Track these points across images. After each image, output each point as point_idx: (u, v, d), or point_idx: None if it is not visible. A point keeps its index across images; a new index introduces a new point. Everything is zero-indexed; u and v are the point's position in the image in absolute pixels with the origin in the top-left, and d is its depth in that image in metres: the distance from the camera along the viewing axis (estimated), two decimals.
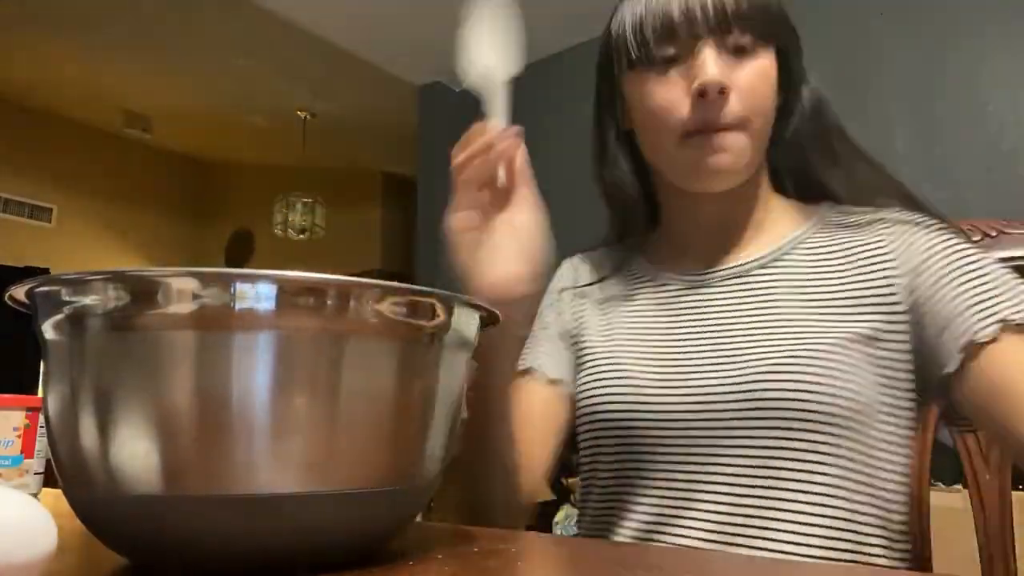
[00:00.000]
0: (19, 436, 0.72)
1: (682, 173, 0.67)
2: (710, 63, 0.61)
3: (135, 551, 0.38)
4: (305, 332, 0.35)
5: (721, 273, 0.71)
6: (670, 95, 0.64)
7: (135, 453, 0.34)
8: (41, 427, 0.74)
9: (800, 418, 0.60)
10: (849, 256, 0.66)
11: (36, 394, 0.80)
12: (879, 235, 0.66)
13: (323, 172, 4.70)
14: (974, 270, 0.61)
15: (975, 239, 0.76)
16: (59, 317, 0.37)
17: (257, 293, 0.34)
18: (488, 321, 0.46)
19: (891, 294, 0.63)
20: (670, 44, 0.64)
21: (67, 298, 0.36)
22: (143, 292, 0.34)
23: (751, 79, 0.63)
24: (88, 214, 4.97)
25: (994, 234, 0.75)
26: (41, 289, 0.37)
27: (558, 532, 2.25)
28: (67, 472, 0.38)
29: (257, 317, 0.34)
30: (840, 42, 2.33)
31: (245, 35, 3.41)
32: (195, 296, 0.34)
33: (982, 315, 0.58)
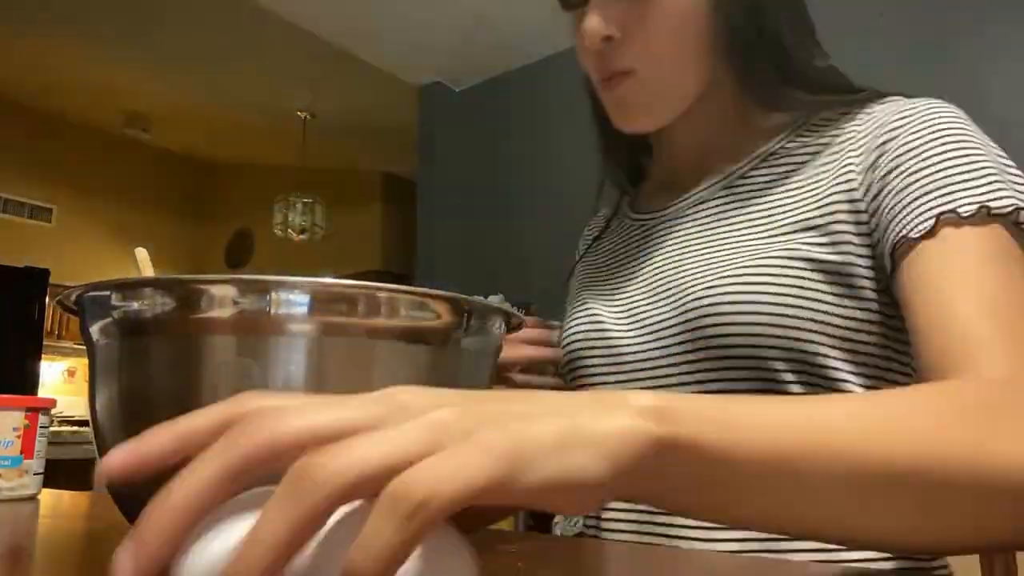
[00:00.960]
0: (19, 436, 0.72)
1: (610, 116, 0.66)
2: (590, 14, 0.60)
3: None
4: (337, 336, 0.37)
5: (683, 203, 0.68)
6: (581, 40, 0.63)
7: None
8: (41, 427, 0.74)
9: (744, 354, 0.55)
10: (813, 165, 0.61)
11: (36, 394, 0.80)
12: (848, 131, 0.60)
13: (323, 172, 4.70)
14: (937, 151, 0.52)
15: None
16: (107, 321, 0.39)
17: (291, 299, 0.36)
18: (512, 326, 0.47)
19: (853, 200, 0.56)
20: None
21: (115, 303, 0.38)
22: (186, 298, 0.37)
23: (647, 23, 0.60)
24: (88, 214, 4.97)
25: None
26: (90, 294, 0.39)
27: (557, 532, 2.25)
28: None
29: (292, 322, 0.36)
30: (839, 44, 2.34)
31: (245, 35, 3.41)
32: (235, 302, 0.36)
33: (923, 206, 0.50)
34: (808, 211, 0.58)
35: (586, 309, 0.69)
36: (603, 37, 0.60)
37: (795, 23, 0.63)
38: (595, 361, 0.66)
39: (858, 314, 0.56)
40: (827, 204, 0.57)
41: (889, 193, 0.53)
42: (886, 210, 0.53)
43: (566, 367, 0.69)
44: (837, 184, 0.58)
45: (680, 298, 0.60)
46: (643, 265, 0.68)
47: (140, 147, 5.08)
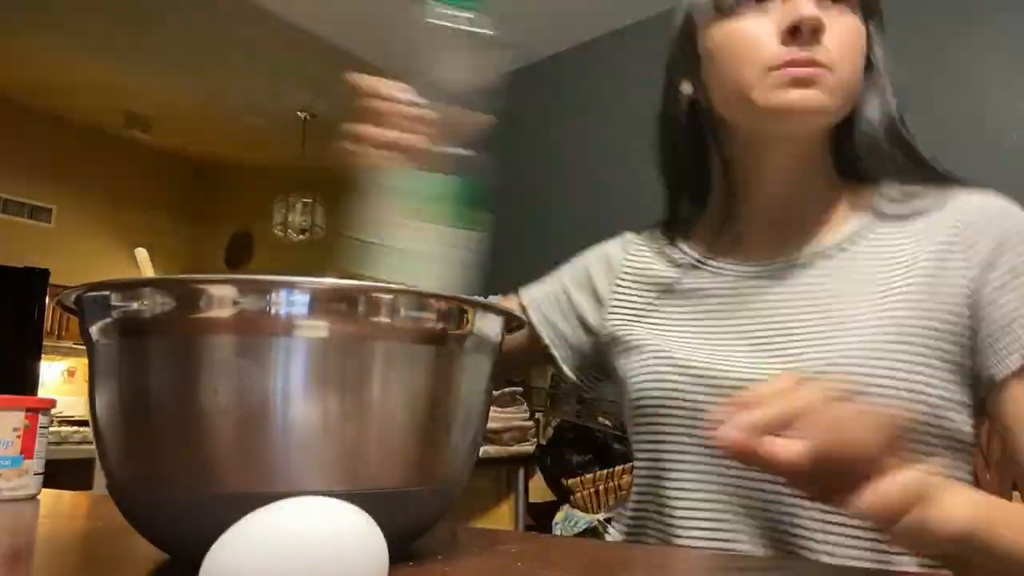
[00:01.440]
0: (19, 437, 0.72)
1: (763, 110, 0.62)
2: (806, 1, 0.60)
3: (176, 547, 0.40)
4: (337, 336, 0.37)
5: (780, 264, 0.67)
6: (760, 30, 0.62)
7: (177, 452, 0.37)
8: (41, 428, 0.74)
9: None
10: (916, 248, 0.63)
11: (35, 394, 0.80)
12: (950, 226, 0.63)
13: (323, 172, 4.70)
14: None
15: None
16: (106, 321, 0.39)
17: (291, 299, 0.36)
18: (513, 326, 0.48)
19: (961, 287, 0.60)
20: None
21: (114, 303, 0.38)
22: (186, 298, 0.36)
23: (843, 29, 0.61)
24: (88, 214, 4.97)
25: None
26: (89, 294, 0.39)
27: (558, 532, 2.25)
28: (111, 469, 0.40)
29: (291, 322, 0.36)
30: None
31: (245, 36, 3.41)
32: (235, 302, 0.36)
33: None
34: (922, 298, 0.60)
35: (665, 354, 0.67)
36: (816, 26, 0.59)
37: (904, 114, 0.67)
38: (670, 402, 0.65)
39: (965, 389, 0.60)
40: (942, 297, 0.60)
41: (1001, 308, 0.58)
42: (995, 323, 0.58)
43: (638, 403, 0.67)
44: (953, 278, 0.60)
45: (792, 363, 0.60)
46: (741, 323, 0.66)
47: (140, 147, 5.08)
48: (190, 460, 0.36)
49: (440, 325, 0.41)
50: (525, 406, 2.38)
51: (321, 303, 0.37)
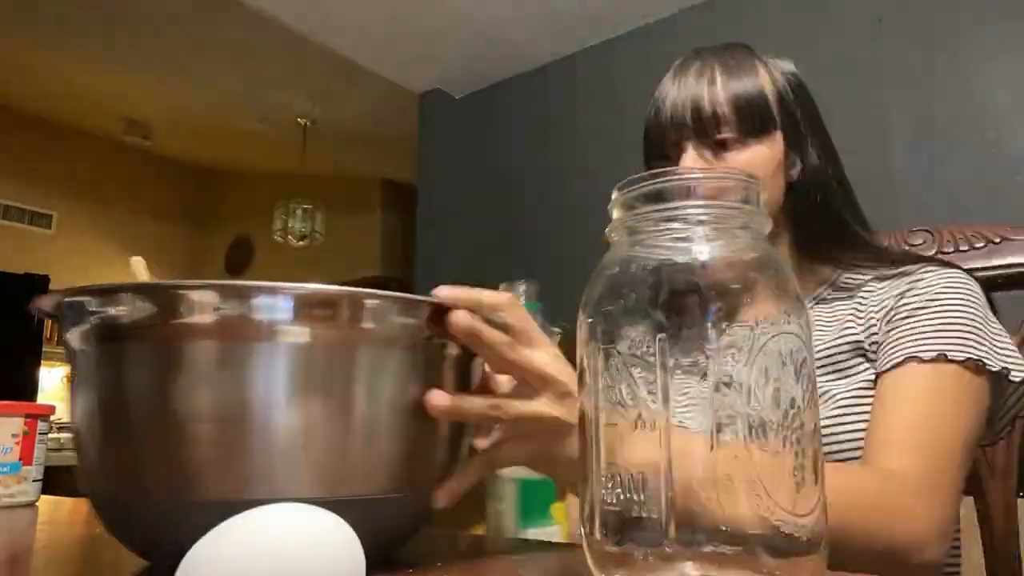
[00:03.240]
0: (18, 443, 0.72)
1: None
2: (686, 157, 0.71)
3: (155, 553, 0.39)
4: (318, 341, 0.37)
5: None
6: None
7: (156, 459, 0.36)
8: (40, 434, 0.74)
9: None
10: (853, 311, 0.72)
11: (35, 401, 0.80)
12: (876, 291, 0.73)
13: (323, 179, 4.70)
14: (932, 307, 0.67)
15: (978, 245, 0.75)
16: (85, 327, 0.38)
17: (272, 305, 0.36)
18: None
19: (873, 335, 0.70)
20: (666, 145, 0.74)
21: (93, 308, 0.38)
22: (166, 303, 0.36)
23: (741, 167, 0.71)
24: (88, 220, 4.97)
25: (997, 240, 0.75)
26: (69, 300, 0.39)
27: None
28: (91, 476, 0.39)
29: (271, 328, 0.36)
30: (839, 49, 2.34)
31: (245, 42, 3.41)
32: (215, 308, 0.35)
33: (900, 347, 0.66)
34: (855, 337, 0.72)
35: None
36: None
37: (848, 196, 0.77)
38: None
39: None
40: (866, 332, 0.71)
41: (891, 332, 0.69)
42: (886, 344, 0.69)
43: None
44: (869, 321, 0.72)
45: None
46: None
47: (140, 154, 5.08)
48: (168, 466, 0.36)
49: (422, 331, 0.40)
50: None
51: (301, 309, 0.36)
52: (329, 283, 0.37)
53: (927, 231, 0.82)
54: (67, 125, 4.77)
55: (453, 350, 0.43)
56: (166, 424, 0.35)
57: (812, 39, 2.40)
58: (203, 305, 0.35)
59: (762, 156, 0.72)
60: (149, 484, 0.36)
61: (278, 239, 4.38)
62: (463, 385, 0.44)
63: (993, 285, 0.75)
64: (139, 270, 0.49)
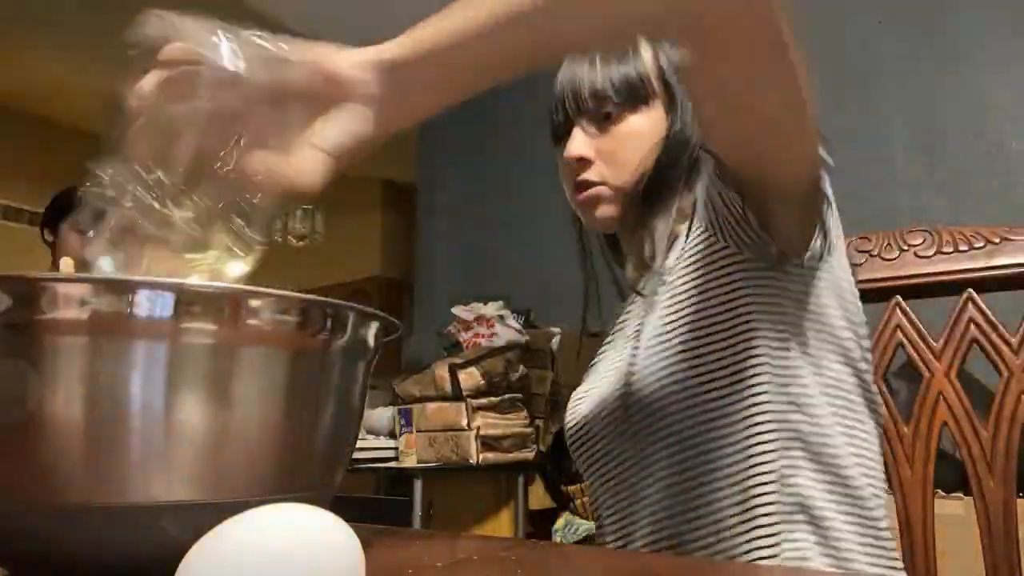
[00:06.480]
0: None
1: (583, 219, 0.81)
2: (571, 141, 0.76)
3: (11, 559, 0.37)
4: (194, 340, 0.35)
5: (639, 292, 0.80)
6: (564, 164, 0.79)
7: (13, 460, 0.34)
8: None
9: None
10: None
11: None
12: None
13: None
14: None
15: (978, 245, 0.75)
16: None
17: (148, 301, 0.34)
18: (389, 330, 0.46)
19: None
20: (560, 123, 0.79)
21: None
22: (30, 296, 0.34)
23: (612, 145, 0.76)
24: None
25: (997, 241, 0.75)
26: None
27: (557, 539, 2.24)
28: None
29: (148, 324, 0.34)
30: (839, 52, 2.34)
31: None
32: (86, 302, 0.34)
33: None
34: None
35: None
36: (578, 157, 0.75)
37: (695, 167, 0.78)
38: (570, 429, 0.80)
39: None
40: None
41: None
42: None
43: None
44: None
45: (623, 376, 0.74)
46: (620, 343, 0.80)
47: None
48: (31, 468, 0.34)
49: (308, 330, 0.39)
50: (525, 413, 2.37)
51: (180, 305, 0.34)
52: (329, 283, 0.35)
53: (926, 231, 0.82)
54: (67, 126, 4.77)
55: (341, 350, 0.41)
56: (27, 424, 0.33)
57: (812, 39, 2.40)
58: (72, 299, 0.34)
59: (640, 126, 0.76)
60: (6, 487, 0.34)
61: (277, 239, 4.39)
62: (349, 384, 0.43)
63: (993, 285, 0.75)
64: (68, 270, 0.48)
